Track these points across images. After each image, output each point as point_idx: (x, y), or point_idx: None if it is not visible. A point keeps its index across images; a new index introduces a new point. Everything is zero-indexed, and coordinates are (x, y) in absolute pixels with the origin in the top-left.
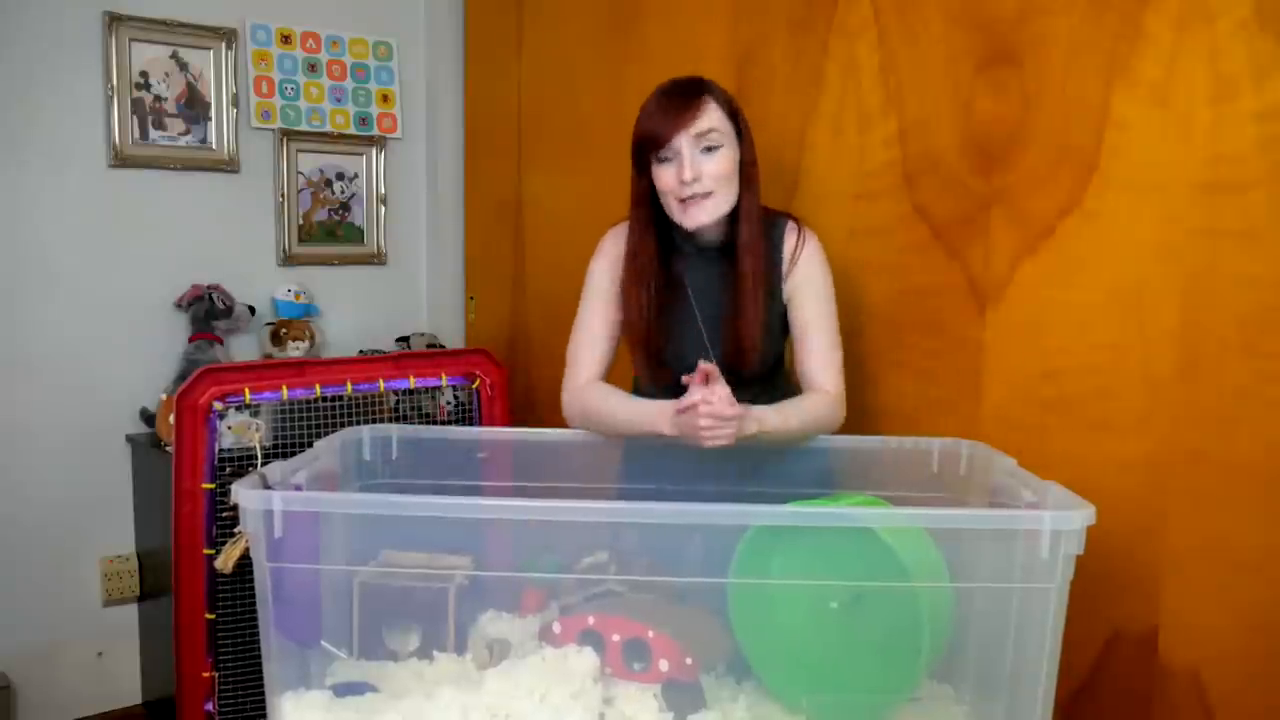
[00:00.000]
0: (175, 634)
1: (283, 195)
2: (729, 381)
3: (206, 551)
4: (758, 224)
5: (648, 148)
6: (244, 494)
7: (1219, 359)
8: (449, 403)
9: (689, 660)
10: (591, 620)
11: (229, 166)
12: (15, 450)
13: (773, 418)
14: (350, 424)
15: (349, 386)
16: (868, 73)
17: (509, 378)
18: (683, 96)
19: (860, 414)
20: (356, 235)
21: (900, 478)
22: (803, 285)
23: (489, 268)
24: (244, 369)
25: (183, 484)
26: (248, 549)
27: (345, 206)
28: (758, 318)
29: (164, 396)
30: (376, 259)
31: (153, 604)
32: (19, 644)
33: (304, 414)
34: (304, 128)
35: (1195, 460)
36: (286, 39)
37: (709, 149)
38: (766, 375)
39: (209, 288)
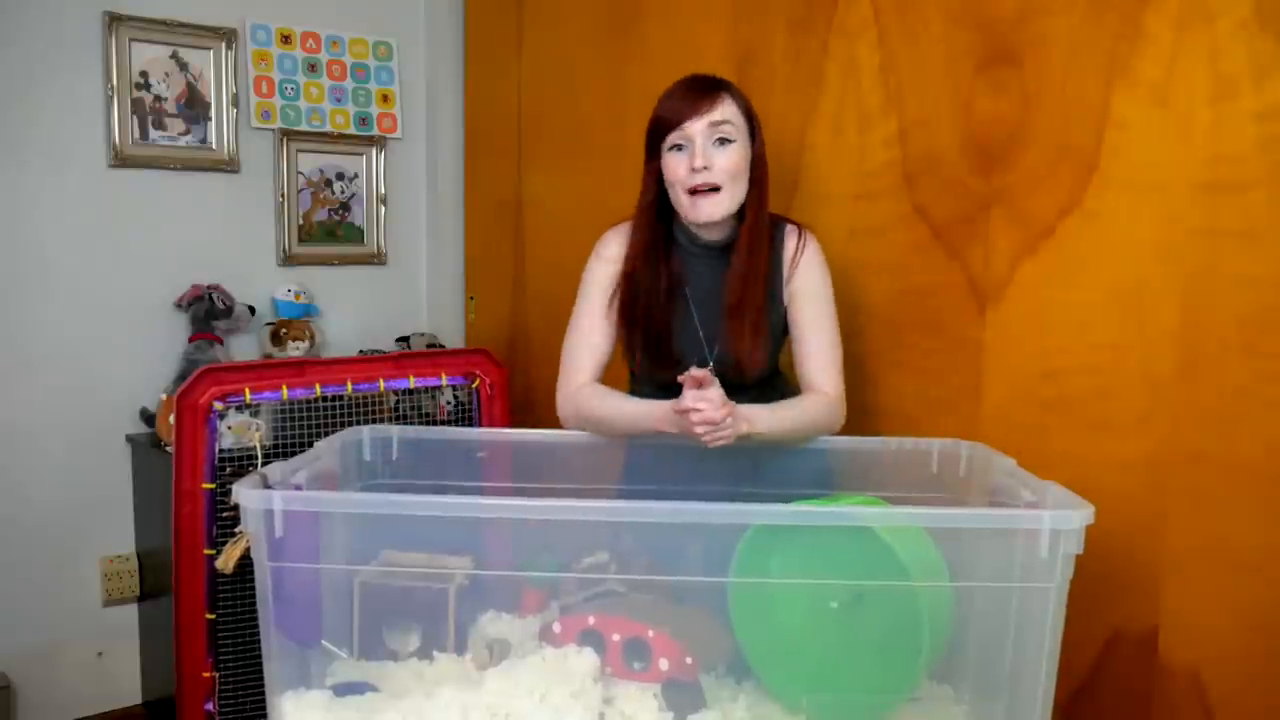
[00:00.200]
0: (175, 634)
1: (283, 195)
2: (727, 384)
3: (207, 551)
4: (763, 225)
5: (663, 130)
6: (245, 494)
7: (1219, 359)
8: (449, 403)
9: (689, 660)
10: (591, 620)
11: (229, 166)
12: (15, 450)
13: (765, 418)
14: (350, 424)
15: (349, 386)
16: (868, 73)
17: (509, 378)
18: (702, 88)
19: (860, 414)
20: (356, 235)
21: (900, 478)
22: (803, 288)
23: (489, 268)
24: (244, 369)
25: (183, 484)
26: (248, 549)
27: (345, 206)
28: (758, 317)
29: (164, 396)
30: (376, 259)
31: (153, 604)
32: (19, 644)
33: (304, 414)
34: (304, 128)
35: (1195, 460)
36: (286, 39)
37: (722, 141)
38: (766, 376)
39: (209, 288)
